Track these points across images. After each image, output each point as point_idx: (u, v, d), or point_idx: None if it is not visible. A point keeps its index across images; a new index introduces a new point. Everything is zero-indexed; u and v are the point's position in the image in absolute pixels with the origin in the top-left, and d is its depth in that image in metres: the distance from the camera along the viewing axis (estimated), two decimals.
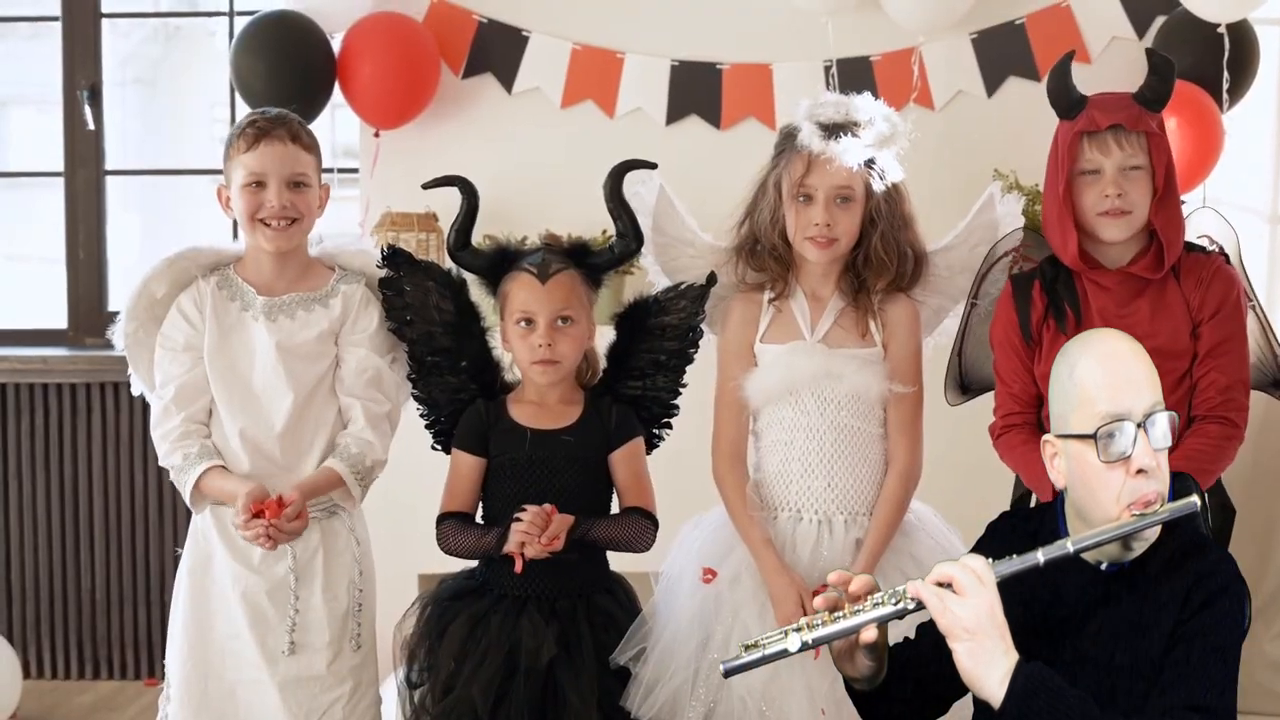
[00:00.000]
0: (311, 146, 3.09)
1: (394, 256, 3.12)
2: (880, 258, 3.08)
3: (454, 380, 3.14)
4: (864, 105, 3.07)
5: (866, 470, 3.09)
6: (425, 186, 3.24)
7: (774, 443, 3.12)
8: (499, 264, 3.11)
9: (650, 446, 3.19)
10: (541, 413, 3.09)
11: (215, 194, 3.10)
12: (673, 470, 3.20)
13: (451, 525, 3.07)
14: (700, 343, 3.19)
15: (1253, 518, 4.30)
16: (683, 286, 3.15)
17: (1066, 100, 3.04)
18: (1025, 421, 3.08)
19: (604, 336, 3.21)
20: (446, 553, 3.08)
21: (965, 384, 3.36)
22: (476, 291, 3.18)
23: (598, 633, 3.02)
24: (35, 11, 5.18)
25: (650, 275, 3.28)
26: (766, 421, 3.14)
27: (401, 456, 3.18)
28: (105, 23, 5.04)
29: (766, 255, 3.13)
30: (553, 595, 3.03)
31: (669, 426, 3.21)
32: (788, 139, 3.10)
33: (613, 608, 3.07)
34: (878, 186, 3.05)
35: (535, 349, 3.02)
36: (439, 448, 3.20)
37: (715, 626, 3.03)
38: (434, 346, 3.13)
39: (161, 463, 3.06)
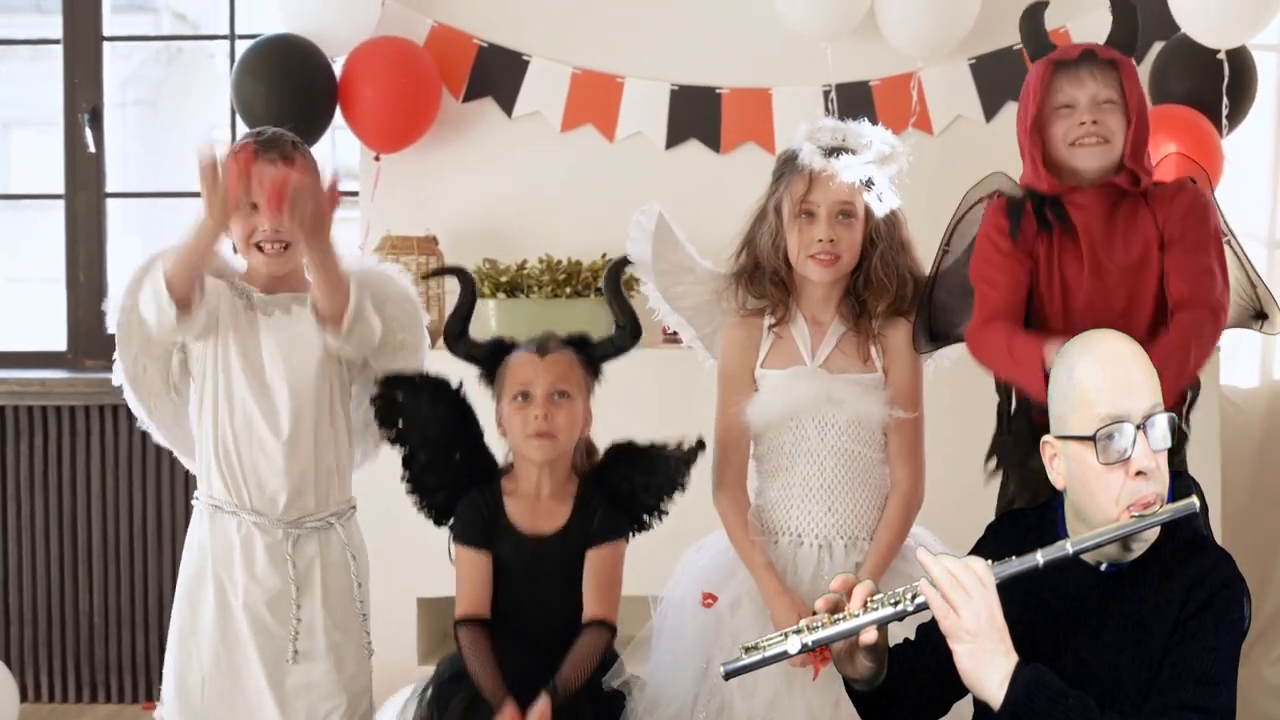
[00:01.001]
0: (309, 168, 3.10)
1: (387, 382, 3.12)
2: (880, 279, 3.09)
3: (448, 473, 3.14)
4: (862, 129, 3.10)
5: (867, 495, 3.10)
6: (425, 276, 3.24)
7: (775, 468, 3.13)
8: (495, 353, 3.13)
9: (643, 529, 3.17)
10: (536, 511, 3.08)
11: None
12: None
13: (467, 641, 3.02)
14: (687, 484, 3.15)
15: (1253, 539, 4.31)
16: (671, 448, 3.12)
17: (1036, 43, 3.06)
18: (1014, 318, 3.00)
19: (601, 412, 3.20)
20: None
21: (934, 332, 3.30)
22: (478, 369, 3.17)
23: (599, 707, 3.01)
24: (37, 34, 5.20)
25: (651, 302, 3.28)
26: (767, 447, 3.14)
27: (401, 479, 3.18)
28: (106, 45, 5.04)
29: (767, 280, 3.13)
30: (549, 676, 2.97)
31: (660, 520, 3.16)
32: (787, 162, 3.12)
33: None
34: (877, 210, 3.07)
35: (530, 421, 3.01)
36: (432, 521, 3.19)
37: (715, 651, 3.02)
38: (429, 446, 3.12)
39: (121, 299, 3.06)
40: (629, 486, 3.13)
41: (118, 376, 3.18)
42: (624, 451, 3.15)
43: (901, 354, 3.11)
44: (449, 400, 3.12)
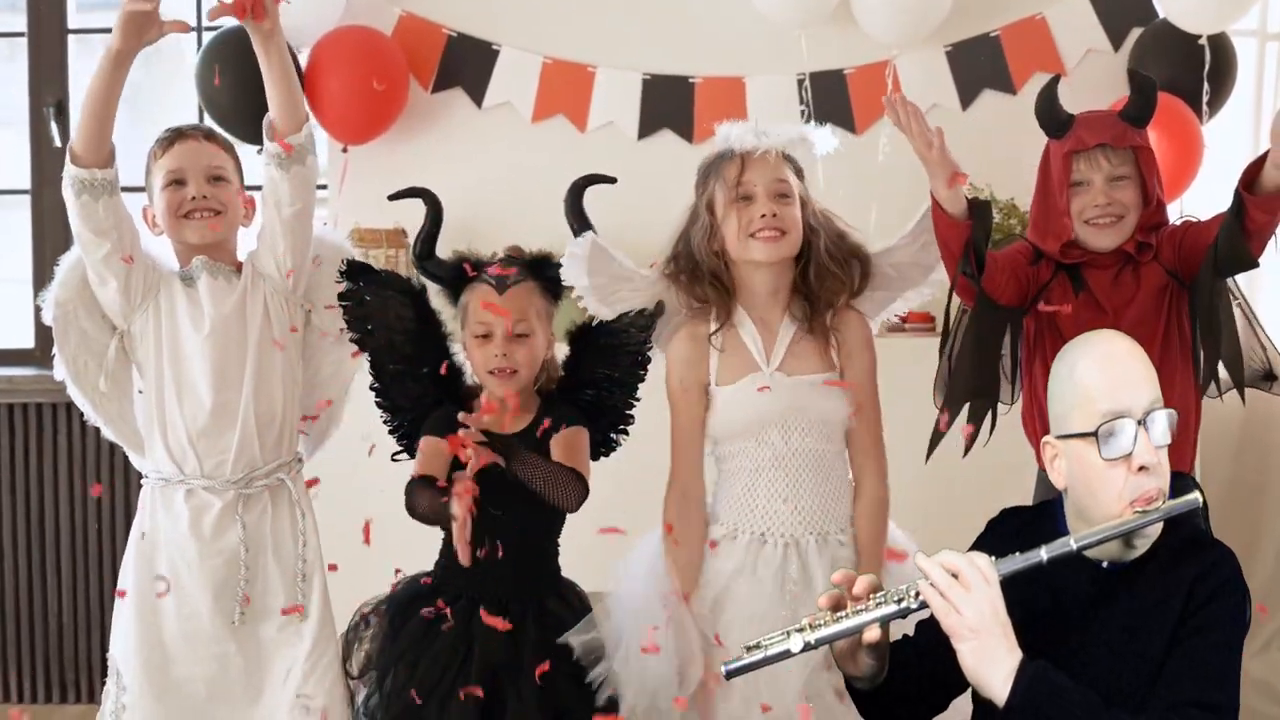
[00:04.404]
0: (228, 148, 3.20)
1: (351, 269, 3.15)
2: (830, 268, 3.06)
3: (416, 387, 3.17)
4: (782, 124, 3.14)
5: (831, 489, 3.08)
6: (391, 198, 3.31)
7: (738, 469, 3.10)
8: (461, 275, 3.14)
9: (609, 449, 3.23)
10: (502, 418, 3.10)
11: (141, 214, 3.14)
12: (628, 490, 3.15)
13: (419, 485, 3.02)
14: (650, 365, 3.18)
15: (1232, 532, 4.25)
16: (631, 314, 3.15)
17: (1054, 122, 3.11)
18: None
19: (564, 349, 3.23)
20: (411, 513, 3.02)
21: (950, 395, 3.33)
22: (436, 299, 3.20)
23: (547, 634, 3.03)
24: (2, 28, 5.13)
25: (591, 310, 3.23)
26: (729, 450, 3.11)
27: (367, 486, 3.14)
28: (84, 43, 5.00)
29: (707, 283, 3.09)
30: (504, 598, 3.04)
31: (625, 433, 3.22)
32: (713, 161, 3.11)
33: (563, 612, 3.09)
34: (812, 199, 3.09)
35: (492, 359, 3.04)
36: (401, 457, 3.21)
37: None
38: (396, 355, 3.16)
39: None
40: (593, 394, 3.17)
41: (59, 372, 3.18)
42: (583, 335, 3.19)
43: (855, 349, 3.10)
44: (416, 304, 3.15)
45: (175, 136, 3.14)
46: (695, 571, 3.05)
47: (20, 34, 4.97)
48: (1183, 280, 3.08)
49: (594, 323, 3.18)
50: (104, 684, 4.78)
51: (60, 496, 4.83)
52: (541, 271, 3.14)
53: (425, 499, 2.96)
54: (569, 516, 3.11)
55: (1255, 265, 3.01)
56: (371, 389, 3.19)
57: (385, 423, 3.22)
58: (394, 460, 3.21)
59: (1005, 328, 3.14)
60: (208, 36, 4.59)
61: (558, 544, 3.17)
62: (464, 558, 2.85)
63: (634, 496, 3.13)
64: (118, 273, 3.06)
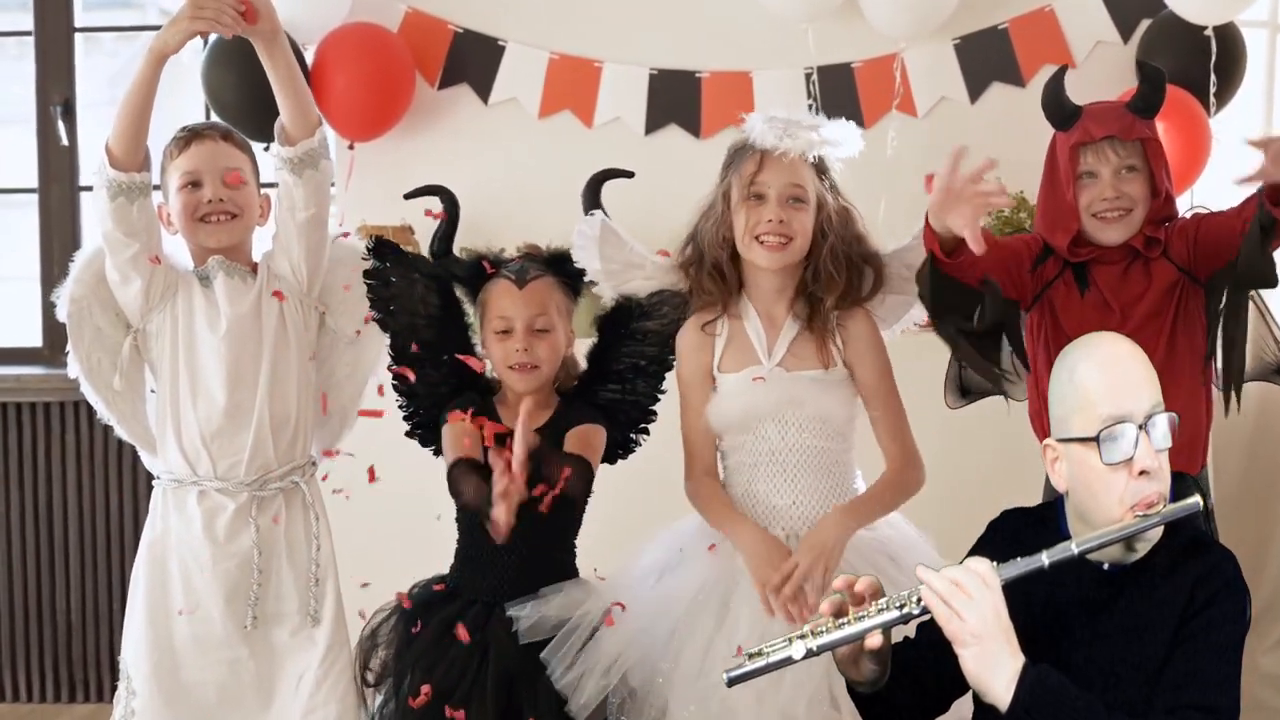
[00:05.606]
0: (244, 147, 3.14)
1: (380, 247, 3.13)
2: (829, 272, 3.03)
3: (435, 374, 3.13)
4: (813, 117, 3.09)
5: (831, 486, 3.06)
6: (407, 196, 3.26)
7: (739, 464, 3.09)
8: (480, 272, 3.11)
9: (627, 451, 3.20)
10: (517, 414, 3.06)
11: (155, 212, 3.09)
12: (639, 487, 3.17)
13: (462, 469, 2.96)
14: None
15: (1245, 523, 4.26)
16: (667, 293, 3.14)
17: (1061, 113, 3.07)
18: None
19: (584, 345, 3.20)
20: (456, 499, 2.99)
21: (965, 387, 3.36)
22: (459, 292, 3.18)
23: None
24: (8, 26, 5.13)
25: (605, 299, 3.24)
26: (729, 445, 3.11)
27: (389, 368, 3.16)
28: (91, 42, 4.98)
29: (705, 274, 3.08)
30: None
31: (646, 432, 3.20)
32: (737, 151, 3.08)
33: None
34: (830, 201, 3.03)
35: (512, 354, 3.01)
36: (415, 436, 3.20)
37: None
38: (417, 339, 3.13)
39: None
40: (616, 389, 3.15)
41: (73, 369, 3.16)
42: (618, 315, 3.17)
43: (863, 345, 3.07)
44: (440, 290, 3.13)
45: (191, 136, 3.09)
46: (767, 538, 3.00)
47: (27, 33, 4.98)
48: (1194, 276, 3.05)
49: (627, 301, 3.17)
50: (113, 684, 4.83)
51: (69, 495, 4.84)
52: (561, 267, 3.12)
53: (471, 487, 2.90)
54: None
55: (1276, 284, 2.96)
56: (389, 369, 3.16)
57: (401, 408, 3.19)
58: (407, 437, 3.19)
59: (1000, 328, 3.11)
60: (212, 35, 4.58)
61: (574, 546, 3.14)
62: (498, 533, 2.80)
63: (650, 497, 3.14)
64: (143, 273, 3.03)
